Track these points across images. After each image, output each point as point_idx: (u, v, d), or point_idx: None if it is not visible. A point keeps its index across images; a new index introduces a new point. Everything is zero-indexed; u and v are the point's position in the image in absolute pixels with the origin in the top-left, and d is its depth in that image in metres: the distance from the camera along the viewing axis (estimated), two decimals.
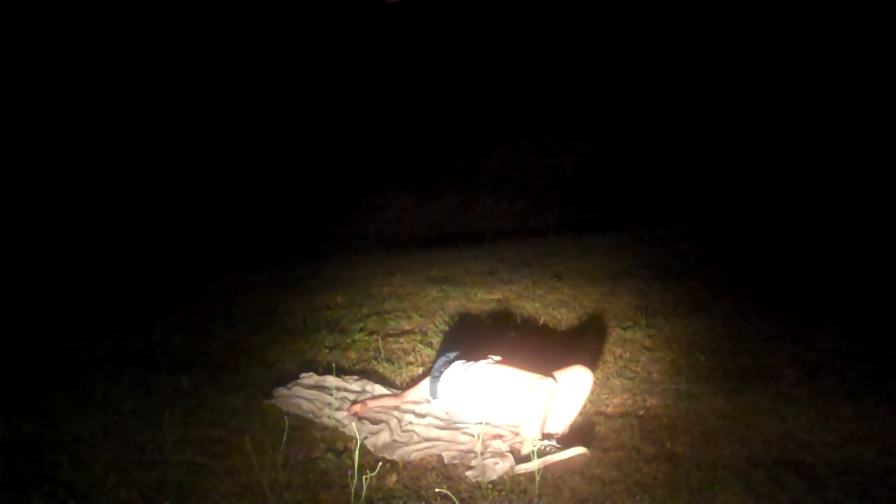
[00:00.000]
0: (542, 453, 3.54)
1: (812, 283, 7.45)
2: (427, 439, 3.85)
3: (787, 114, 14.91)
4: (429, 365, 4.93)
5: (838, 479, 3.32)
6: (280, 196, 13.32)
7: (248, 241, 10.66)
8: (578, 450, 3.54)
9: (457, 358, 4.23)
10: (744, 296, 6.93)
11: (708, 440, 3.79)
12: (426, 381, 4.25)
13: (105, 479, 3.41)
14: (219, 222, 11.74)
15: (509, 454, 3.62)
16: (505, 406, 3.95)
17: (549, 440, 3.66)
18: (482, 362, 4.13)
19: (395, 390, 4.58)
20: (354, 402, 4.25)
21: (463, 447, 3.74)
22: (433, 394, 4.17)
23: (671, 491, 3.27)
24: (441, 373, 4.16)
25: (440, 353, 4.43)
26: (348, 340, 5.68)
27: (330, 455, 3.69)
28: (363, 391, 4.51)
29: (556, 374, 3.91)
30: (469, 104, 16.14)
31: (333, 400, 4.29)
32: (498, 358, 4.20)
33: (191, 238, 10.73)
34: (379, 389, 4.56)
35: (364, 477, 3.25)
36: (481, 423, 3.93)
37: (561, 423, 3.97)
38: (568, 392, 3.94)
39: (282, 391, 4.48)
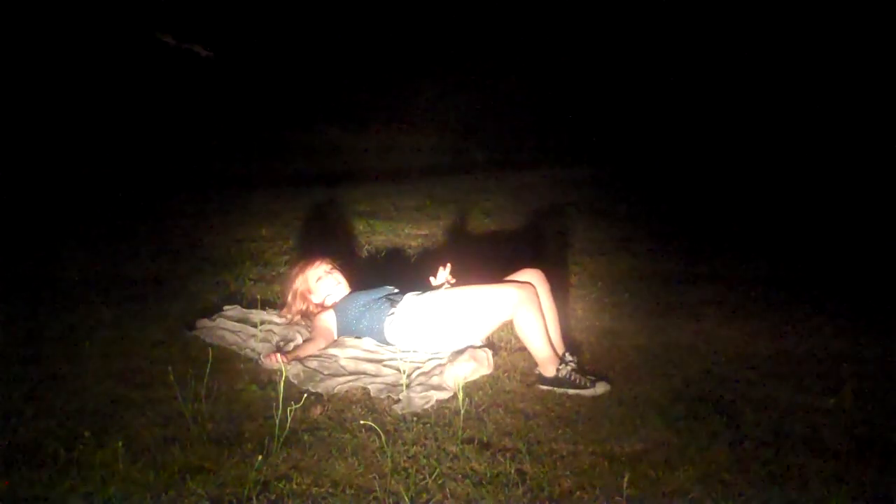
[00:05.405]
0: (564, 382, 3.64)
1: (735, 224, 7.61)
2: (352, 373, 3.84)
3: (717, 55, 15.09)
4: None
5: (755, 415, 3.42)
6: (206, 127, 13.08)
7: (173, 171, 10.46)
8: (602, 386, 3.64)
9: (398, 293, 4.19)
10: (668, 236, 7.05)
11: (630, 376, 3.85)
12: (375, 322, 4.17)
13: (23, 409, 3.33)
14: (143, 150, 11.52)
15: (435, 387, 3.63)
16: (463, 330, 3.98)
17: (571, 362, 3.73)
18: (436, 291, 4.09)
19: None
20: (281, 352, 4.04)
21: (388, 380, 3.75)
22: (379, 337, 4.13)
23: (593, 425, 3.32)
24: (389, 313, 4.10)
25: (367, 288, 4.35)
26: (273, 273, 5.61)
27: (254, 387, 3.65)
28: (288, 324, 4.46)
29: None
30: (400, 38, 15.99)
31: (258, 332, 4.24)
32: (453, 280, 4.17)
33: (115, 164, 10.49)
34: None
35: (289, 408, 3.22)
36: (438, 353, 3.98)
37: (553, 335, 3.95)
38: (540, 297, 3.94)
39: (205, 323, 4.41)
